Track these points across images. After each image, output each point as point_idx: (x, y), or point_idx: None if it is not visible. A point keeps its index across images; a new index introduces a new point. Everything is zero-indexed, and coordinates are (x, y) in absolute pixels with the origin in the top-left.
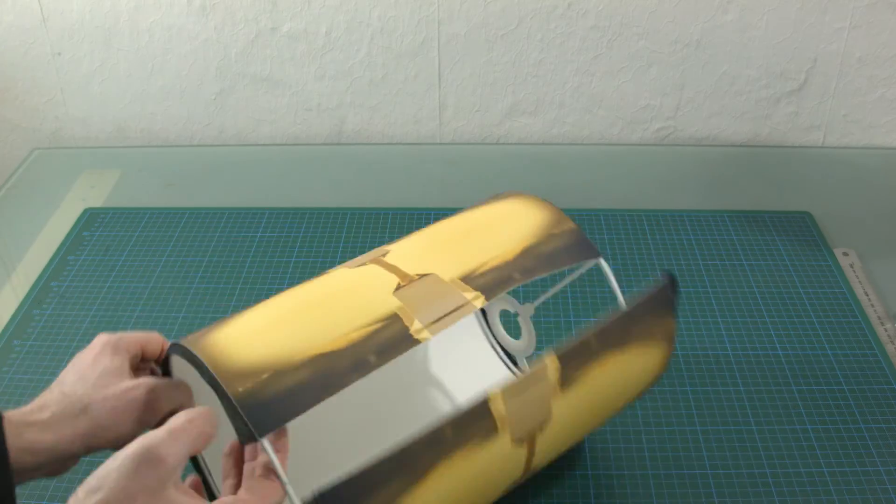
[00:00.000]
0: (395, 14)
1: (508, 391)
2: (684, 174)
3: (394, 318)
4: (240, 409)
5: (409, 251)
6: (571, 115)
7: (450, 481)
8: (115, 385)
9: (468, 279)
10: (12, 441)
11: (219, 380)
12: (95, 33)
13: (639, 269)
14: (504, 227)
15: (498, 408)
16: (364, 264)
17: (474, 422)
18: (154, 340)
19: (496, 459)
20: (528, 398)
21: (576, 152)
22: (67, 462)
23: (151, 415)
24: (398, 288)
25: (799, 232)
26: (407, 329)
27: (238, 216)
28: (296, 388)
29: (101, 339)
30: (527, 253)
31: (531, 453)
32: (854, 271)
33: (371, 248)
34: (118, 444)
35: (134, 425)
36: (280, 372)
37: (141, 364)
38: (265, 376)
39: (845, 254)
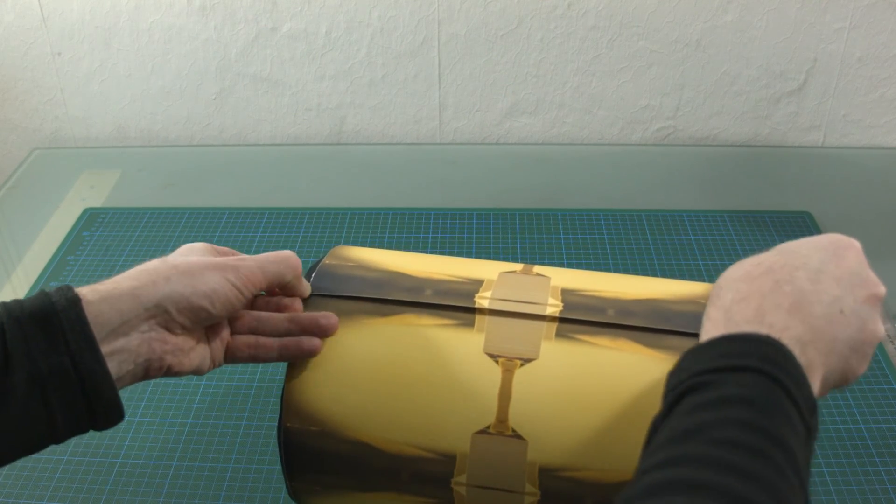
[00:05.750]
0: (395, 14)
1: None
2: (684, 174)
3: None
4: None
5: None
6: (571, 115)
7: None
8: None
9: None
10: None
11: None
12: (95, 33)
13: (639, 270)
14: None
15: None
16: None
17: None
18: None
19: None
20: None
21: (576, 152)
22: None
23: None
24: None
25: (799, 232)
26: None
27: (238, 216)
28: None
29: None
30: (647, 304)
31: None
32: None
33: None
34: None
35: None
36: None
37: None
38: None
39: None
